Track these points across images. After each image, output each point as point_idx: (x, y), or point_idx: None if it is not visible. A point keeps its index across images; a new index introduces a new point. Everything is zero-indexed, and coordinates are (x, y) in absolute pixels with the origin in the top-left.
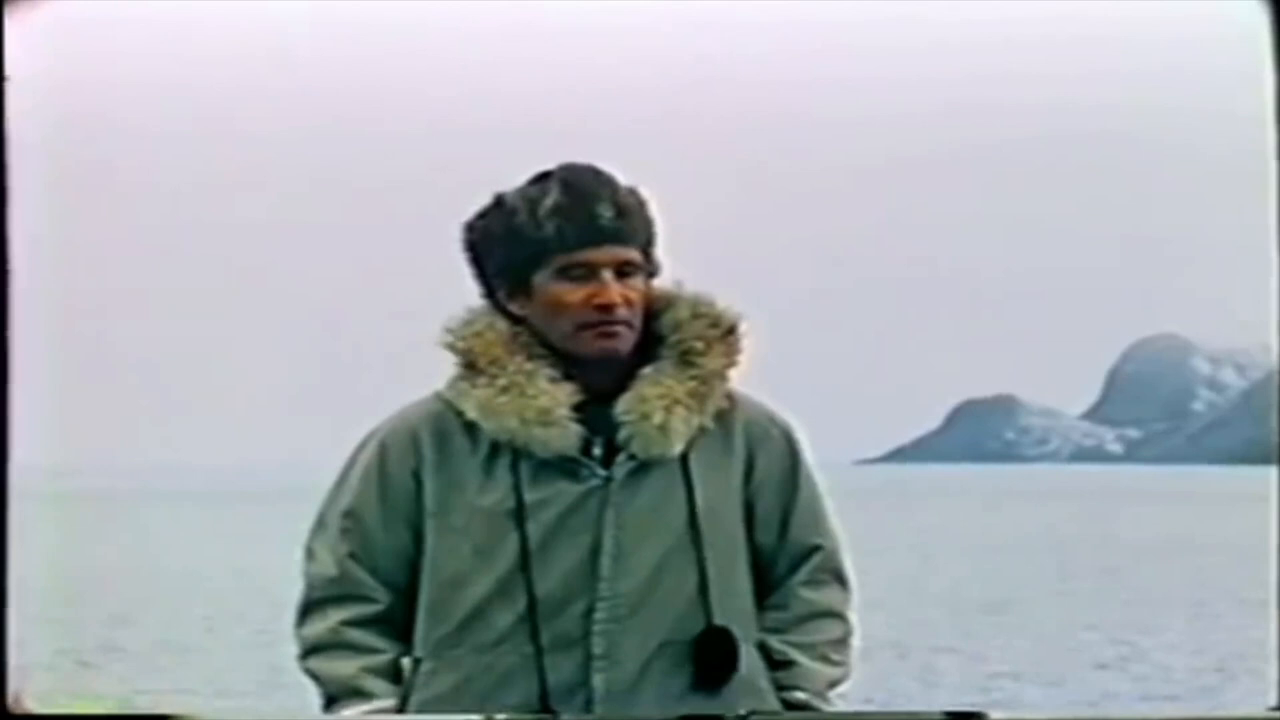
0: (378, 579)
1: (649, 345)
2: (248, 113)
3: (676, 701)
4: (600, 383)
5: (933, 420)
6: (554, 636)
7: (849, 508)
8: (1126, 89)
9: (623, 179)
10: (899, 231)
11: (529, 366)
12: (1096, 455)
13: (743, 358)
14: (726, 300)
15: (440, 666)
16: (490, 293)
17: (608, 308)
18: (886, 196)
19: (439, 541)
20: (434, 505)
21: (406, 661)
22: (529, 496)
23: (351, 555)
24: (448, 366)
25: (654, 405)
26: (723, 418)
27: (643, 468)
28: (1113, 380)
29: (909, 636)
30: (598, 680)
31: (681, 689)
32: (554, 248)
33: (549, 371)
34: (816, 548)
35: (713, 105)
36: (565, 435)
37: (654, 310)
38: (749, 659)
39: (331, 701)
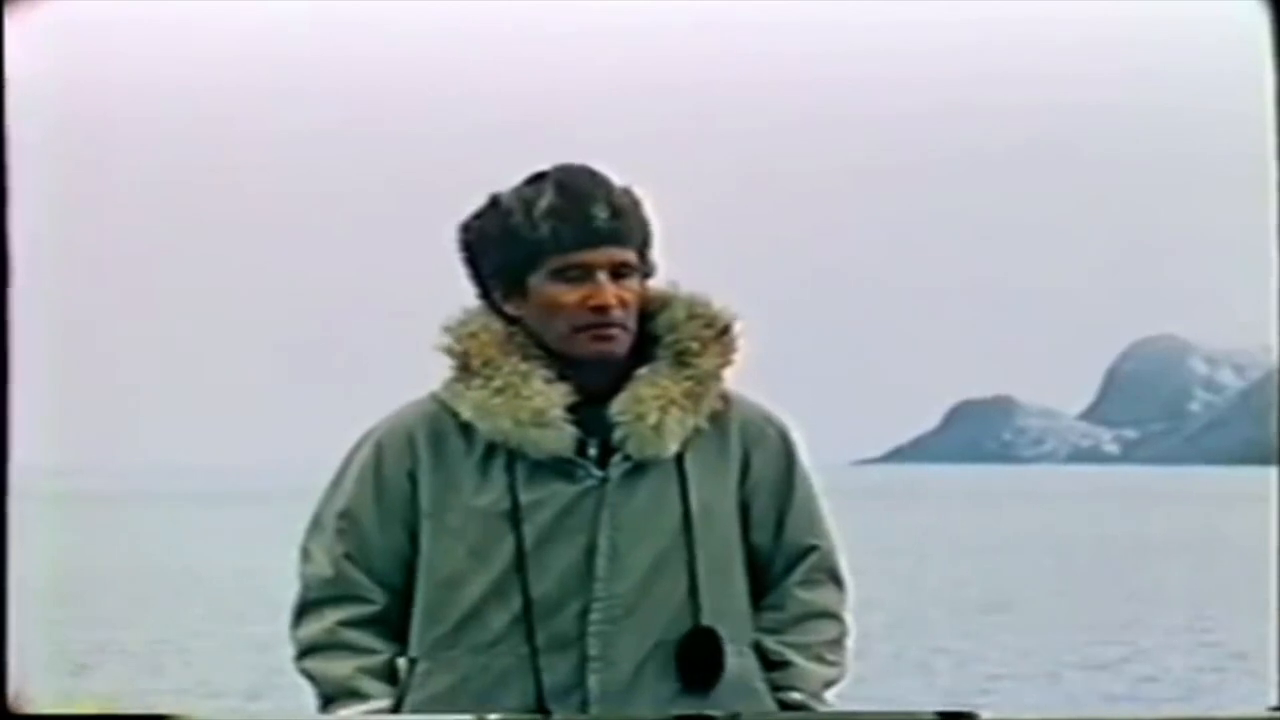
0: (373, 580)
1: (644, 346)
2: (247, 113)
3: (671, 702)
4: (595, 383)
5: (930, 420)
6: (549, 637)
7: (846, 508)
8: (1126, 89)
9: (618, 180)
10: (896, 232)
11: (524, 367)
12: (1094, 456)
13: (738, 358)
14: (722, 301)
15: (436, 667)
16: (485, 293)
17: (603, 309)
18: (883, 197)
19: (435, 542)
20: (429, 506)
21: (402, 662)
22: (524, 497)
23: (347, 556)
24: (444, 367)
25: (649, 406)
26: (718, 418)
27: (638, 468)
28: (1110, 381)
29: (906, 637)
30: (593, 681)
31: (676, 690)
32: (549, 249)
33: (544, 372)
34: (812, 548)
35: (709, 106)
36: (560, 436)
37: (649, 311)
38: (742, 659)
39: (328, 702)
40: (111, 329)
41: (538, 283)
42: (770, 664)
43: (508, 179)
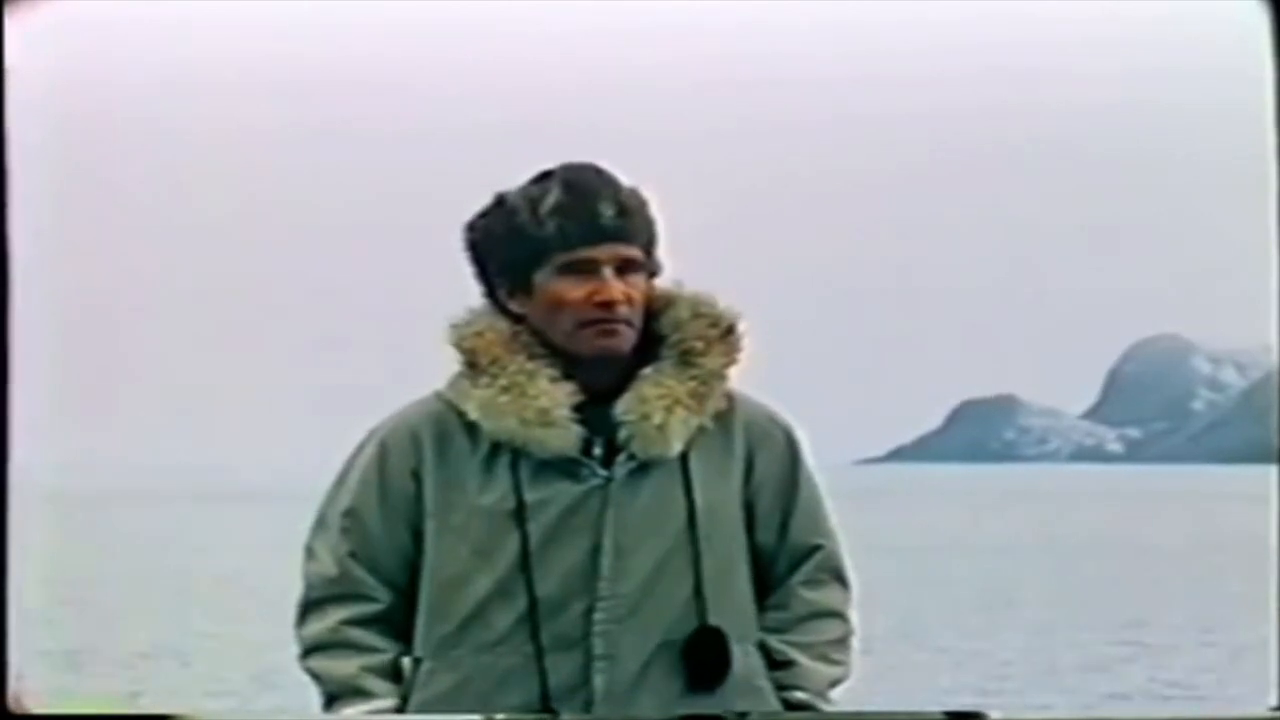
0: (378, 578)
1: (649, 345)
2: (247, 113)
3: (676, 702)
4: (601, 383)
5: (933, 420)
6: (554, 637)
7: (849, 507)
8: (1127, 89)
9: (624, 179)
10: (900, 231)
11: (530, 366)
12: (1097, 455)
13: (743, 357)
14: (726, 300)
15: (440, 666)
16: (491, 292)
17: (609, 305)
18: (887, 196)
19: (439, 541)
20: (434, 505)
21: (407, 661)
22: (529, 497)
23: (352, 554)
24: (448, 366)
25: (654, 405)
26: (722, 418)
27: (643, 468)
28: (1113, 380)
29: (909, 636)
30: (598, 680)
31: (681, 689)
32: (555, 245)
33: (550, 372)
34: (816, 547)
35: (714, 106)
36: (565, 435)
37: (654, 310)
38: (747, 659)
39: (332, 700)
40: (112, 328)
41: (543, 280)
42: (775, 663)
43: (513, 179)
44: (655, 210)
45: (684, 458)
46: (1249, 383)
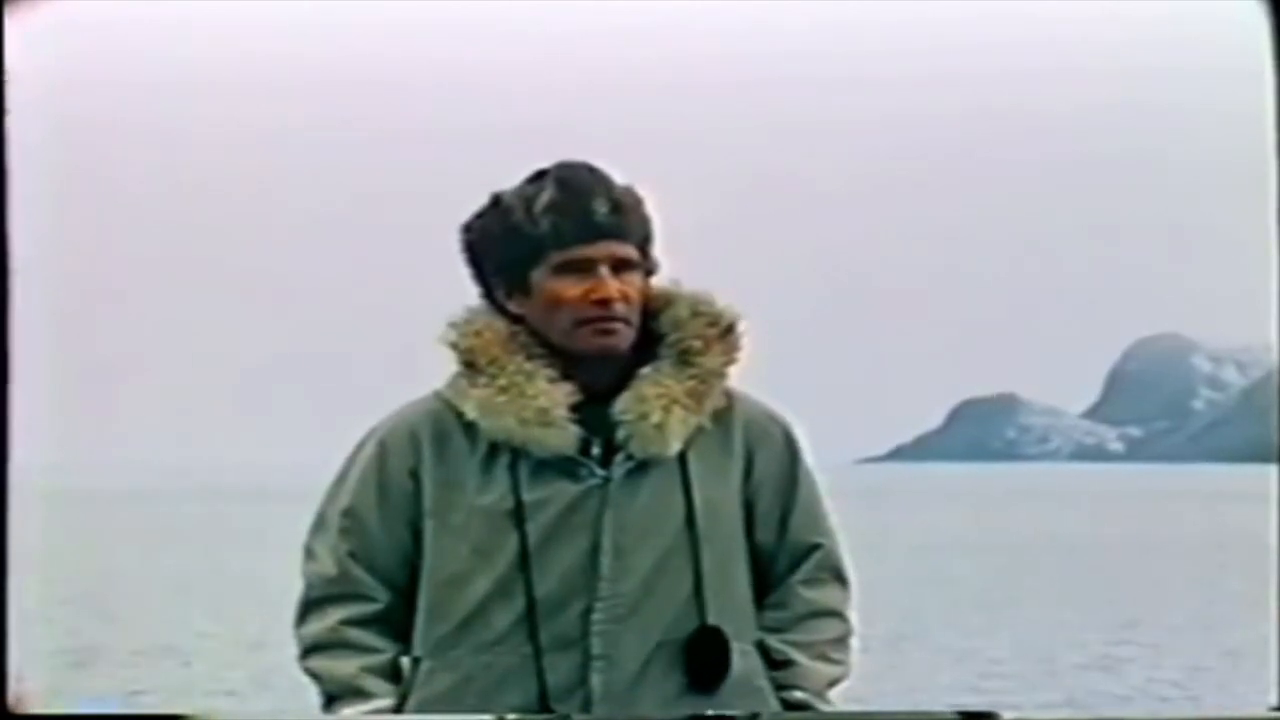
0: (377, 578)
1: (647, 344)
2: (247, 113)
3: (675, 701)
4: (599, 382)
5: (934, 419)
6: (553, 636)
7: (850, 506)
8: (1127, 88)
9: (621, 178)
10: (900, 230)
11: (528, 366)
12: (1098, 454)
13: (742, 356)
14: (725, 299)
15: (439, 666)
16: (489, 292)
17: (605, 302)
18: (887, 196)
19: (438, 541)
20: (433, 505)
21: (406, 661)
22: (528, 496)
23: (351, 554)
24: (446, 366)
25: (652, 405)
26: (721, 417)
27: (641, 467)
28: (1114, 379)
29: (909, 635)
30: (596, 680)
31: (680, 689)
32: (551, 244)
33: (548, 371)
34: (816, 546)
35: (714, 106)
36: (564, 435)
37: (653, 309)
38: (746, 658)
39: (331, 700)
40: (112, 328)
41: (540, 279)
42: (774, 663)
43: (509, 179)
44: (651, 208)
45: (683, 457)
46: (1250, 381)
